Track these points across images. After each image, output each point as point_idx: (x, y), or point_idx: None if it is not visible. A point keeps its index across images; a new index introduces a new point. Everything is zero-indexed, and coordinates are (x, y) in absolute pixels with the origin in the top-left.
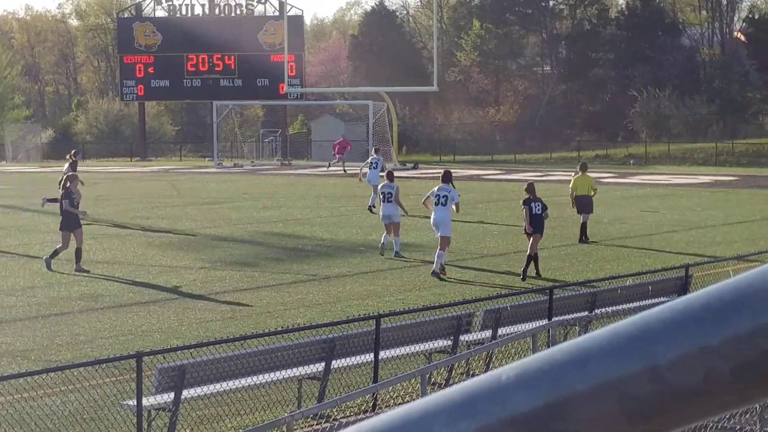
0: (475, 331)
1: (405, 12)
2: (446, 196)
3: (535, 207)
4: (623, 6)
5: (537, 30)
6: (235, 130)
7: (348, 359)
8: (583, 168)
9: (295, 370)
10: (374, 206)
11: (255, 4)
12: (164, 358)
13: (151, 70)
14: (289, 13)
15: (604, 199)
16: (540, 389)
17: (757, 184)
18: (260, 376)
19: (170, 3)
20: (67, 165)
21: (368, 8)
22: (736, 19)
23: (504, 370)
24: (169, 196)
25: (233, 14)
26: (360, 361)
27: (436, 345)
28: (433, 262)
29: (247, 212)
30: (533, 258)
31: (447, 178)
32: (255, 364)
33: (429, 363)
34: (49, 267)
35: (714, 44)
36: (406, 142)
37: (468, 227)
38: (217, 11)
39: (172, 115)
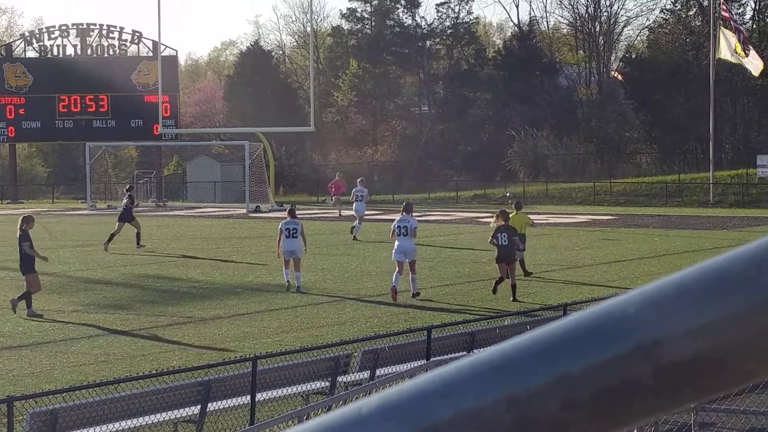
0: (353, 372)
1: (281, 52)
2: (406, 226)
3: (502, 238)
4: (500, 46)
5: (414, 70)
6: (109, 171)
7: (224, 402)
8: (518, 206)
9: (170, 413)
10: (356, 236)
11: (128, 44)
12: (36, 402)
13: (22, 111)
14: (163, 54)
15: (483, 238)
16: (401, 420)
17: (634, 223)
18: (135, 420)
19: (41, 43)
20: (125, 200)
21: (243, 48)
22: (613, 58)
23: (364, 402)
24: (41, 238)
25: (106, 54)
26: (236, 404)
27: (313, 386)
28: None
29: (121, 254)
30: (513, 286)
31: (408, 209)
32: (130, 408)
33: (306, 404)
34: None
35: (591, 84)
36: (282, 182)
37: (346, 267)
38: (89, 51)
39: (44, 156)
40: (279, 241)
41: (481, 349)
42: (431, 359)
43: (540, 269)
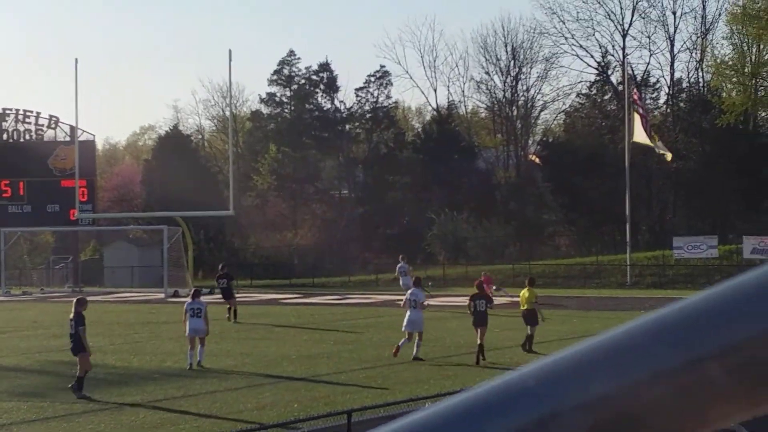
0: None
1: (200, 136)
2: (415, 300)
3: (479, 304)
4: (419, 129)
5: (334, 153)
6: (24, 256)
7: None
8: (531, 282)
9: None
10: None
11: (45, 129)
12: None
13: None
14: (80, 138)
15: (401, 321)
16: None
17: (553, 305)
18: None
19: None
20: (224, 280)
21: (162, 132)
22: (530, 142)
23: None
24: None
25: (22, 139)
26: None
27: None
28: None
29: (36, 341)
30: (480, 346)
31: (417, 283)
32: None
33: None
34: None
35: (509, 167)
36: (202, 266)
37: (265, 351)
38: (5, 137)
39: None
40: (185, 321)
41: None
42: None
43: (459, 351)
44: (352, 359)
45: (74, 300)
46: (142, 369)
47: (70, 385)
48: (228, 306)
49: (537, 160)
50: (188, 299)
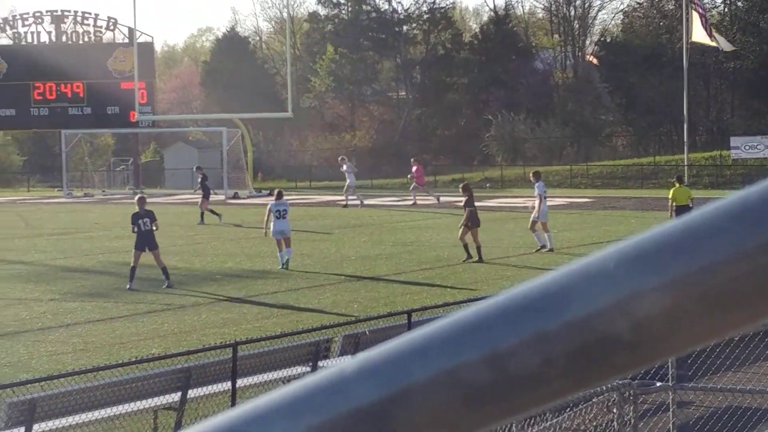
0: (334, 357)
1: (258, 38)
2: None
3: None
4: (477, 31)
5: (391, 55)
6: (85, 159)
7: (205, 388)
8: (680, 180)
9: (150, 400)
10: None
11: (103, 31)
12: (13, 392)
13: None
14: (138, 40)
15: (457, 223)
16: (381, 379)
17: (611, 206)
18: (114, 408)
19: (15, 31)
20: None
21: (219, 34)
22: (588, 42)
23: (347, 363)
24: (17, 227)
25: (81, 41)
26: (217, 390)
27: (294, 371)
28: None
29: (99, 242)
30: (478, 247)
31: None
32: (109, 396)
33: None
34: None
35: (567, 68)
36: (261, 168)
37: (325, 253)
38: (64, 38)
39: (18, 145)
40: (267, 221)
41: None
42: None
43: (518, 252)
44: (411, 260)
45: (137, 198)
46: (204, 270)
47: (167, 284)
48: None
49: (594, 61)
50: (272, 200)
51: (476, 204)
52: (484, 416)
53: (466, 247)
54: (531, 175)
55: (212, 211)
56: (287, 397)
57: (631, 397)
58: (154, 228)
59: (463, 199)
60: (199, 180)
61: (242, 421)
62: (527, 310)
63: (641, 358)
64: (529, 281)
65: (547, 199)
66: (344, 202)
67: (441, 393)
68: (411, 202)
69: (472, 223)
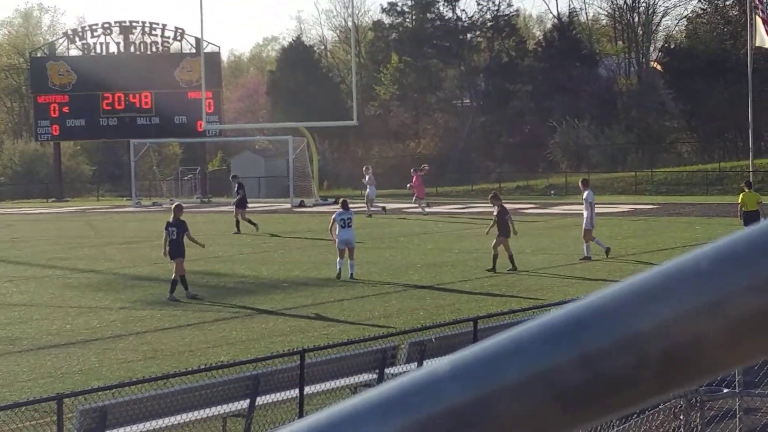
0: (400, 364)
1: (323, 47)
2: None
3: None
4: (540, 38)
5: (455, 63)
6: (153, 168)
7: (273, 395)
8: (749, 185)
9: (219, 407)
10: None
11: (171, 41)
12: (85, 399)
13: (66, 109)
14: (205, 50)
15: (527, 229)
16: (473, 379)
17: (676, 212)
18: (184, 415)
19: (84, 42)
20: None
21: (285, 44)
22: (652, 49)
23: (439, 364)
24: (87, 236)
25: (149, 52)
26: (285, 397)
27: (361, 379)
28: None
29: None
30: (510, 256)
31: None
32: (178, 403)
33: None
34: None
35: (631, 74)
36: (326, 177)
37: (391, 261)
38: (132, 49)
39: (88, 154)
40: (331, 230)
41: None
42: None
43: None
44: (477, 267)
45: (174, 207)
46: (271, 278)
47: (188, 294)
48: None
49: (658, 67)
50: (338, 209)
51: (541, 211)
52: (576, 417)
53: (494, 258)
54: (580, 183)
55: (249, 221)
56: (380, 397)
57: (698, 404)
58: (186, 238)
59: (495, 209)
60: (236, 189)
61: (334, 420)
62: (621, 311)
63: (733, 360)
64: (620, 282)
65: (606, 206)
66: (368, 213)
67: (533, 394)
68: (421, 212)
69: (503, 232)
